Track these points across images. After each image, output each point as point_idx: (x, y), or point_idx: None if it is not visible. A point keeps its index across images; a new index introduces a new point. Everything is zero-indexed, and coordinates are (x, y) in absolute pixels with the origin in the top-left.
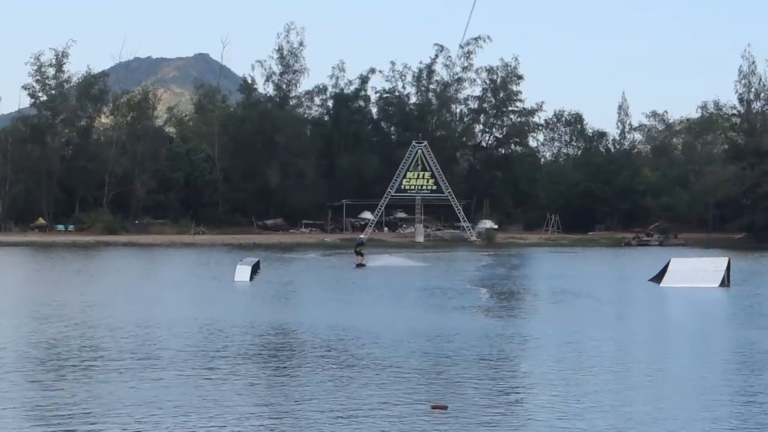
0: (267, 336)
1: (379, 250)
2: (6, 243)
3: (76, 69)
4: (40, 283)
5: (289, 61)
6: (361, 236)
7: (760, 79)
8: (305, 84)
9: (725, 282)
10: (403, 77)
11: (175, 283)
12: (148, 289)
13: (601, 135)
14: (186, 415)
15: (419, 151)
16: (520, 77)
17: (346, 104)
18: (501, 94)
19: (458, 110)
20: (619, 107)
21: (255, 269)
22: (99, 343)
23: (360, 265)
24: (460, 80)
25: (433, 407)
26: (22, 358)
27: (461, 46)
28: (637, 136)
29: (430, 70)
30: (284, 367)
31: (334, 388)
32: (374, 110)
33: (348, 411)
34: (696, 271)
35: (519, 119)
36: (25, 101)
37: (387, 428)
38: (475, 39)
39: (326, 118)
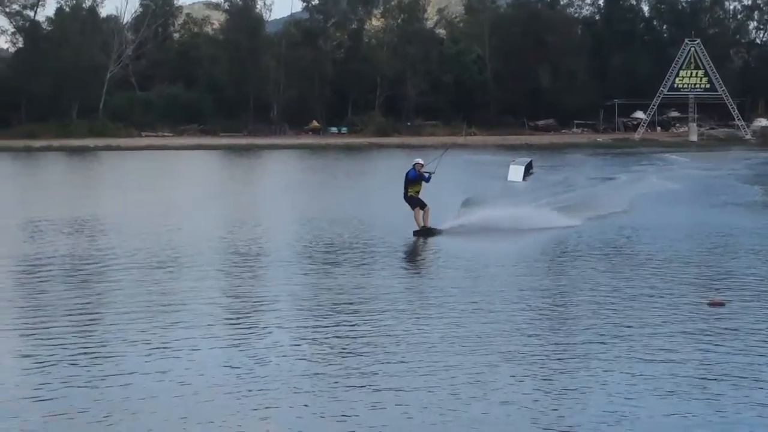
0: (541, 231)
1: (654, 150)
2: (281, 145)
3: None
4: (307, 186)
5: None
6: (418, 160)
7: None
8: None
9: None
10: None
11: (450, 182)
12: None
13: None
14: (453, 311)
15: (692, 49)
16: None
17: (618, 3)
18: None
19: (731, 7)
20: None
21: (528, 169)
22: (369, 240)
23: (423, 231)
24: None
25: (711, 303)
26: (293, 254)
27: None
28: None
29: None
30: (554, 259)
31: (610, 279)
32: (646, 8)
33: (623, 302)
34: None
35: None
36: (297, 5)
37: (663, 322)
38: None
39: (597, 17)
